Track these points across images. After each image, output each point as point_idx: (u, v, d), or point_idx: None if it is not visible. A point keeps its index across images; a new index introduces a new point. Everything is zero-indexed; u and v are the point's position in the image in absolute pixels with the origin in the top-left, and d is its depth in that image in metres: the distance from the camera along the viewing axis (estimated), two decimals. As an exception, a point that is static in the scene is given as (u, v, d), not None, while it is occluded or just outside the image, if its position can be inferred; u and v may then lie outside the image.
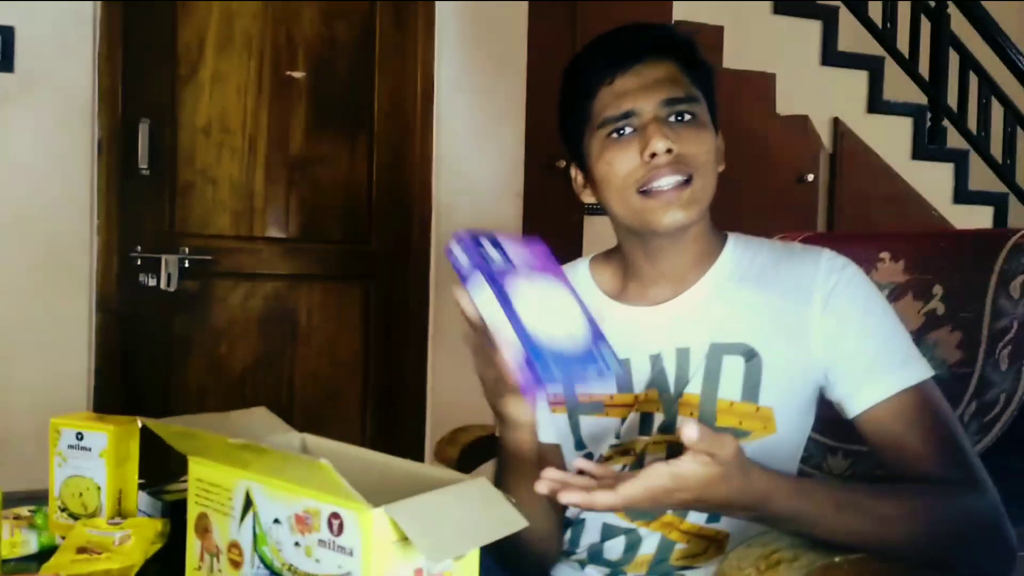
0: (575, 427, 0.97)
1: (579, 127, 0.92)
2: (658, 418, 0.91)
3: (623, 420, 0.93)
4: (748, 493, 0.71)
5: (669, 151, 0.85)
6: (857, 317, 0.87)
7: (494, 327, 0.73)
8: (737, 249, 0.95)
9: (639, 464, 0.91)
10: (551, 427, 0.99)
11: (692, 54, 0.91)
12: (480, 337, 0.76)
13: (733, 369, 0.88)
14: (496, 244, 0.76)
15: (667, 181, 0.86)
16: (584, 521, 0.95)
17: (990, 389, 1.04)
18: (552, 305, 0.74)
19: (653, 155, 0.85)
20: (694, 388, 0.89)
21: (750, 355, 0.88)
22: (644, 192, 0.87)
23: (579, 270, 1.01)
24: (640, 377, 0.93)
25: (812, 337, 0.87)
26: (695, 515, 0.90)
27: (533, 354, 0.70)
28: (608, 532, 0.93)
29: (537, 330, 0.71)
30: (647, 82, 0.88)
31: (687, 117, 0.88)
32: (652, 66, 0.88)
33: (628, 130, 0.88)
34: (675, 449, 0.88)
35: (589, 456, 0.97)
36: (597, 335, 0.74)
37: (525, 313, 0.71)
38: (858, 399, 0.86)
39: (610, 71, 0.89)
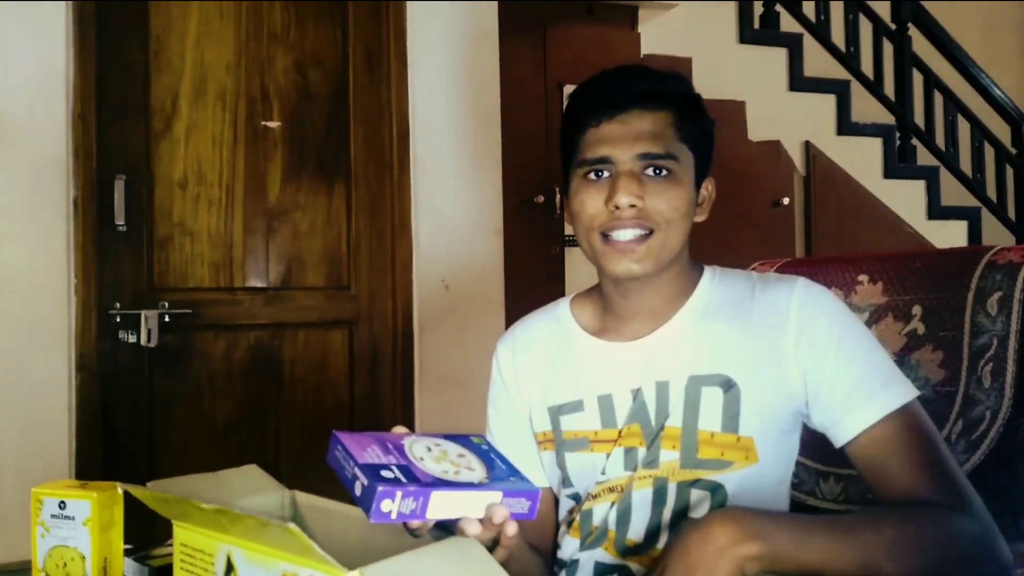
0: (562, 464, 0.97)
1: (568, 159, 0.95)
2: (641, 452, 0.91)
3: (608, 456, 0.93)
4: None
5: (633, 205, 0.88)
6: (833, 345, 0.87)
7: (460, 506, 0.72)
8: (713, 283, 0.96)
9: (626, 500, 0.91)
10: (540, 466, 1.00)
11: (689, 106, 0.92)
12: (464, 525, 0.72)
13: (712, 400, 0.89)
14: (351, 458, 0.73)
15: (626, 233, 0.89)
16: (577, 562, 0.95)
17: (975, 407, 1.04)
18: (454, 462, 0.76)
19: (618, 207, 0.88)
20: (675, 421, 0.90)
21: (728, 385, 0.89)
22: (605, 236, 0.90)
23: (560, 309, 1.02)
24: (622, 412, 0.93)
25: (789, 366, 0.88)
26: None
27: (510, 492, 0.73)
28: (600, 570, 0.93)
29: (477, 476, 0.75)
30: (629, 132, 0.89)
31: (663, 172, 0.89)
32: (640, 116, 0.89)
33: (604, 174, 0.90)
34: (660, 482, 0.90)
35: (576, 496, 0.97)
36: (486, 458, 0.78)
37: (446, 475, 0.73)
38: (843, 428, 0.86)
39: (597, 115, 0.90)
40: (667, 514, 0.90)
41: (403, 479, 0.69)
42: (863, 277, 1.19)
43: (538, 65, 3.17)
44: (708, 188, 0.96)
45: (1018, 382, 1.02)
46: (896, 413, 0.84)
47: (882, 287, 1.17)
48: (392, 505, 0.68)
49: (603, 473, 0.94)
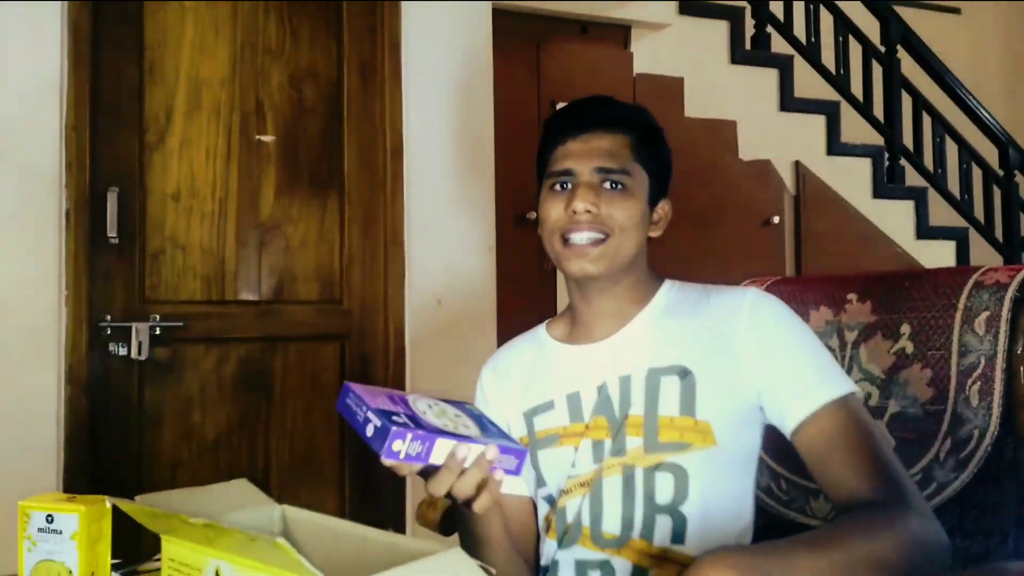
0: (535, 463, 1.05)
1: (541, 173, 1.07)
2: (608, 444, 0.98)
3: (576, 448, 1.00)
4: None
5: (588, 211, 0.99)
6: (779, 341, 0.96)
7: (453, 452, 0.82)
8: (672, 290, 1.06)
9: (597, 492, 0.98)
10: (521, 480, 1.06)
11: (648, 134, 1.04)
12: (443, 471, 0.84)
13: (670, 388, 0.97)
14: (364, 403, 0.83)
15: (583, 236, 1.00)
16: (558, 563, 1.00)
17: (963, 425, 1.05)
18: (452, 419, 0.87)
19: (575, 211, 0.99)
20: (637, 410, 0.98)
21: (684, 373, 0.97)
22: (565, 240, 1.01)
23: (538, 330, 1.13)
24: (588, 407, 1.01)
25: (740, 358, 0.96)
26: (661, 537, 0.95)
27: (502, 448, 0.84)
28: (582, 569, 0.98)
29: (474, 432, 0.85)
30: (589, 149, 1.01)
31: (619, 186, 1.00)
32: (601, 136, 1.01)
33: (567, 185, 1.02)
34: (628, 469, 0.96)
35: (550, 498, 1.03)
36: (480, 422, 0.89)
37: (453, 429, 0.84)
38: (789, 417, 0.93)
39: (564, 135, 1.03)
40: (638, 502, 0.96)
41: (411, 425, 0.80)
42: (852, 296, 1.20)
43: (532, 83, 3.20)
44: (664, 208, 1.07)
45: (1006, 401, 1.03)
46: (836, 405, 0.91)
47: (871, 306, 1.18)
48: (402, 445, 0.78)
49: (573, 467, 1.00)
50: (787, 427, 0.94)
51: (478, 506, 0.86)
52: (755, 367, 0.95)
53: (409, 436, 0.78)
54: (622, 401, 0.99)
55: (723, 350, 0.97)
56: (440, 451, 0.81)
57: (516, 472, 0.86)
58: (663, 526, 0.95)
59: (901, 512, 0.83)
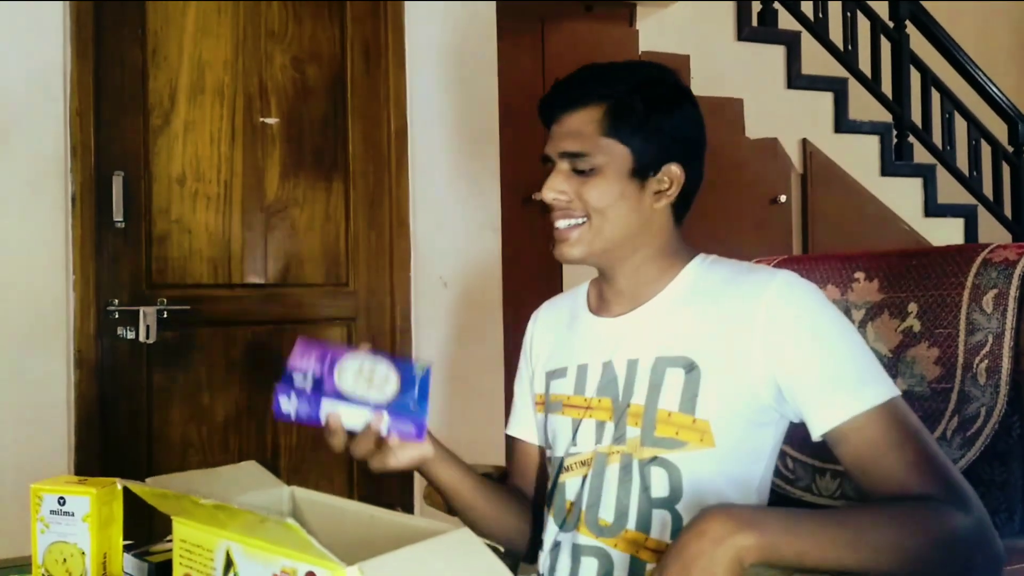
0: (545, 425, 1.06)
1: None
2: (609, 426, 0.97)
3: (574, 421, 1.00)
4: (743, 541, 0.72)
5: (558, 198, 0.97)
6: (804, 336, 0.88)
7: (348, 417, 0.91)
8: (701, 268, 1.00)
9: (599, 477, 0.97)
10: (532, 424, 1.11)
11: (629, 100, 0.96)
12: (362, 438, 0.92)
13: (674, 381, 0.93)
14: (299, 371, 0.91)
15: (560, 222, 0.98)
16: (560, 544, 1.00)
17: (970, 403, 1.05)
18: (371, 378, 0.92)
19: (545, 200, 0.98)
20: (639, 398, 0.95)
21: (690, 367, 0.92)
22: (553, 226, 1.00)
23: (581, 287, 1.11)
24: (593, 382, 1.00)
25: (753, 358, 0.89)
26: (658, 531, 0.92)
27: (396, 416, 0.90)
28: (577, 554, 0.97)
29: (374, 397, 0.91)
30: (562, 132, 0.98)
31: (587, 169, 0.96)
32: (571, 116, 0.97)
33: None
34: (627, 459, 0.95)
35: (560, 463, 1.03)
36: (408, 386, 0.92)
37: (359, 395, 0.90)
38: (818, 419, 0.87)
39: (548, 117, 1.01)
40: (634, 493, 0.94)
41: (307, 387, 0.88)
42: (859, 274, 1.20)
43: (536, 62, 3.17)
44: (672, 173, 0.98)
45: (1013, 379, 1.03)
46: (879, 409, 0.84)
47: (878, 284, 1.18)
48: (288, 405, 0.89)
49: (575, 444, 1.00)
50: (817, 428, 0.87)
51: (373, 466, 0.94)
52: (774, 362, 0.88)
53: (293, 395, 0.87)
54: (626, 385, 0.96)
55: (734, 348, 0.90)
56: (327, 412, 0.89)
57: (418, 437, 0.91)
58: (660, 521, 0.93)
59: (944, 509, 0.79)
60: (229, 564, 0.69)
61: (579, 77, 0.99)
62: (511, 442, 1.16)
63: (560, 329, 1.09)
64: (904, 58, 3.83)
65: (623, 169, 0.96)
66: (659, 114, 0.97)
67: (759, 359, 0.89)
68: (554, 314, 1.12)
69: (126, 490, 0.87)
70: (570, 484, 1.00)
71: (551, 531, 1.02)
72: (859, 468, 0.85)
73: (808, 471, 1.17)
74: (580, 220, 0.97)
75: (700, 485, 0.91)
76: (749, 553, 0.71)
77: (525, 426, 1.12)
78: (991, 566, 0.80)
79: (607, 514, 0.95)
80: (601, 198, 0.96)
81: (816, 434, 0.88)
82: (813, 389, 0.87)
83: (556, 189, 0.97)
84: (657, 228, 0.99)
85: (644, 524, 0.93)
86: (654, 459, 0.93)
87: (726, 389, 0.91)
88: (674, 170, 0.98)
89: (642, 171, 0.97)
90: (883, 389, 0.86)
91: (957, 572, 0.79)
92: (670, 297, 0.99)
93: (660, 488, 0.92)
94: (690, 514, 0.91)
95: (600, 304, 1.05)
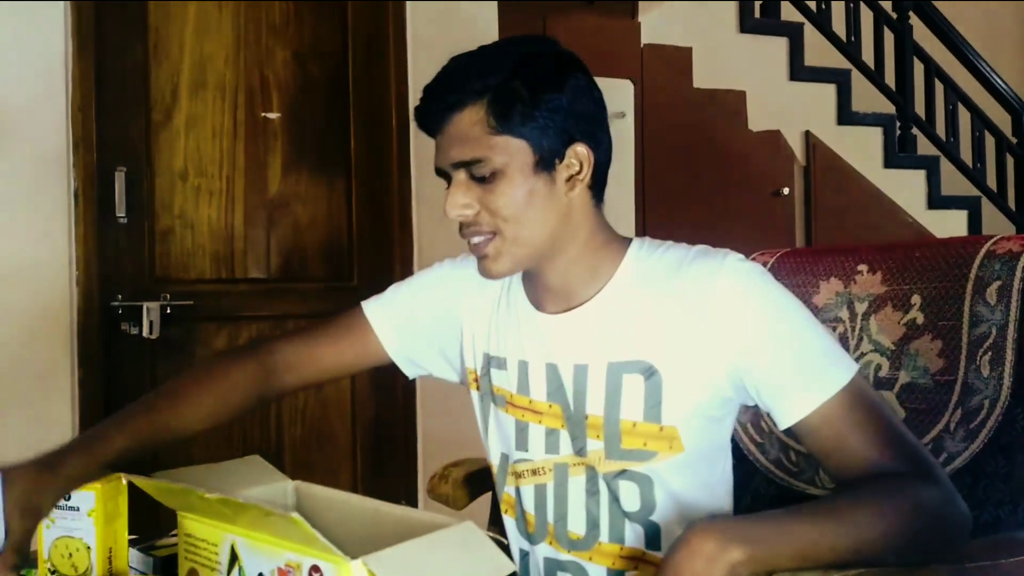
0: (486, 414, 1.00)
1: None
2: (563, 435, 0.92)
3: (519, 423, 0.94)
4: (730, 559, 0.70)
5: (463, 215, 0.87)
6: (764, 329, 0.84)
7: None
8: (640, 257, 0.91)
9: (562, 490, 0.92)
10: (422, 358, 1.06)
11: (512, 88, 0.85)
12: None
13: (633, 388, 0.87)
14: None
15: (475, 238, 0.89)
16: (529, 555, 0.97)
17: (974, 396, 1.05)
18: None
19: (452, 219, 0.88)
20: (596, 409, 0.89)
21: (649, 372, 0.87)
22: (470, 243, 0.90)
23: (514, 280, 1.00)
24: (537, 384, 0.93)
25: (713, 353, 0.85)
26: (633, 541, 0.90)
27: None
28: (551, 567, 0.94)
29: None
30: (448, 141, 0.87)
31: (486, 176, 0.86)
32: (457, 118, 0.86)
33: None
34: (591, 472, 0.90)
35: (504, 459, 0.98)
36: None
37: None
38: (784, 413, 0.84)
39: (429, 128, 0.89)
40: (603, 505, 0.91)
41: None
42: (862, 267, 1.19)
43: (538, 55, 3.16)
44: (578, 155, 0.88)
45: (1017, 371, 1.03)
46: (842, 394, 0.82)
47: (881, 277, 1.17)
48: None
49: (525, 450, 0.94)
50: (781, 422, 0.85)
51: None
52: (733, 354, 0.84)
53: None
54: (577, 393, 0.90)
55: (693, 345, 0.85)
56: None
57: None
58: (635, 531, 0.90)
59: (912, 482, 0.79)
60: (234, 558, 0.69)
61: (449, 75, 0.87)
62: (356, 319, 1.07)
63: (495, 308, 0.99)
64: (907, 49, 3.81)
65: (526, 165, 0.86)
66: (548, 93, 0.85)
67: (718, 353, 0.85)
68: (488, 289, 1.00)
69: (131, 484, 0.88)
70: (526, 493, 0.96)
71: (515, 537, 0.99)
72: (824, 453, 0.84)
73: (811, 464, 1.17)
74: (491, 233, 0.87)
75: (673, 492, 0.89)
76: (742, 568, 0.70)
77: (413, 356, 1.05)
78: (960, 529, 0.80)
79: (577, 527, 0.92)
80: (510, 203, 0.86)
81: (782, 427, 0.85)
82: (776, 383, 0.84)
83: (459, 204, 0.87)
84: (580, 217, 0.90)
85: (618, 535, 0.90)
86: (622, 472, 0.89)
87: (689, 390, 0.86)
88: (580, 150, 0.88)
89: (547, 161, 0.86)
90: (843, 371, 0.83)
91: (931, 540, 0.79)
92: (613, 292, 0.90)
93: (631, 502, 0.89)
94: (666, 521, 0.89)
95: (534, 297, 0.95)
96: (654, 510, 0.89)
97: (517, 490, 0.97)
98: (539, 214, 0.87)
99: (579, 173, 0.88)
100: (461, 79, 0.86)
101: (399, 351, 1.06)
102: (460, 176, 0.87)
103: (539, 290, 0.94)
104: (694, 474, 0.89)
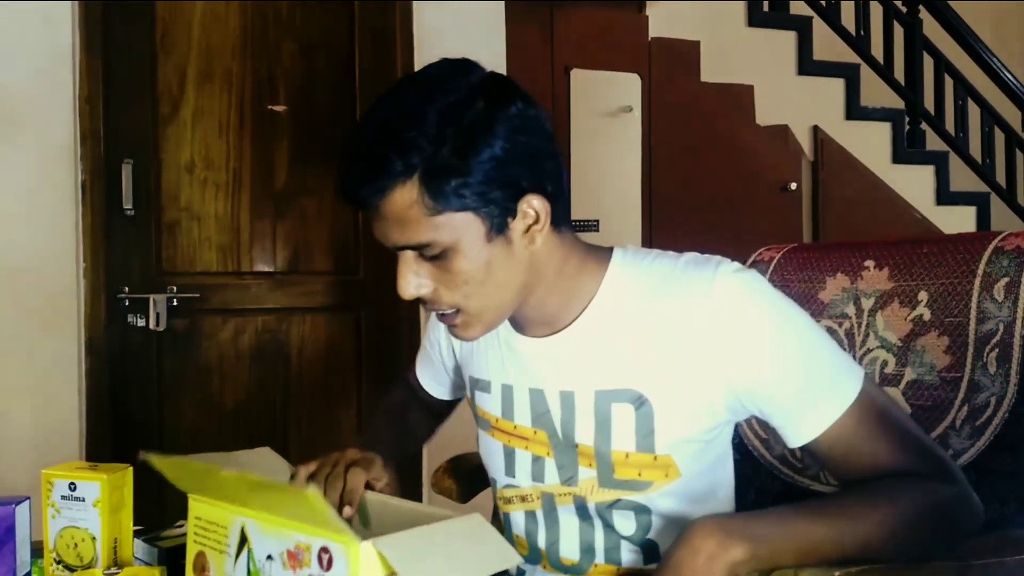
0: (477, 437, 1.01)
1: None
2: (549, 464, 0.89)
3: (506, 448, 0.92)
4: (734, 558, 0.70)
5: (420, 298, 0.82)
6: (766, 346, 0.79)
7: None
8: (623, 273, 0.85)
9: (552, 517, 0.90)
10: (447, 384, 1.13)
11: (438, 156, 0.75)
12: None
13: (624, 418, 0.83)
14: None
15: (437, 311, 0.83)
16: (524, 573, 0.96)
17: (980, 393, 1.04)
18: None
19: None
20: (586, 439, 0.85)
21: (639, 402, 0.82)
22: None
23: None
24: (521, 409, 0.90)
25: (708, 373, 0.80)
26: (630, 561, 0.88)
27: None
28: None
29: None
30: (383, 224, 0.79)
31: (436, 256, 0.79)
32: (387, 202, 0.77)
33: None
34: (580, 501, 0.88)
35: (494, 481, 0.98)
36: None
37: None
38: (794, 434, 0.81)
39: (356, 204, 0.80)
40: (597, 531, 0.89)
41: None
42: (869, 262, 1.19)
43: (546, 49, 3.16)
44: (530, 207, 0.80)
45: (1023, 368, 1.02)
46: (853, 407, 0.79)
47: (888, 272, 1.17)
48: None
49: (512, 476, 0.92)
50: (793, 442, 0.81)
51: None
52: (732, 373, 0.80)
53: None
54: (564, 421, 0.86)
55: (685, 369, 0.80)
56: None
57: None
58: (632, 551, 0.88)
59: (930, 481, 0.78)
60: (243, 541, 0.70)
61: (367, 154, 0.77)
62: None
63: None
64: (917, 44, 3.79)
65: (477, 236, 0.78)
66: (481, 151, 0.76)
67: (713, 377, 0.80)
68: None
69: (136, 476, 0.88)
70: (515, 518, 0.94)
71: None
72: (837, 465, 0.81)
73: (816, 460, 1.16)
74: (450, 311, 0.82)
75: (671, 513, 0.86)
76: (744, 566, 0.70)
77: (436, 384, 1.14)
78: (974, 526, 0.80)
79: (571, 553, 0.90)
80: (468, 279, 0.79)
81: (792, 446, 0.82)
82: (782, 404, 0.80)
83: (412, 285, 0.80)
84: (545, 258, 0.83)
85: (614, 557, 0.89)
86: (617, 501, 0.86)
87: (683, 417, 0.82)
88: (533, 202, 0.80)
89: (499, 225, 0.78)
90: (852, 382, 0.80)
91: (945, 539, 0.79)
92: (596, 313, 0.84)
93: (627, 527, 0.87)
94: (664, 540, 0.86)
95: (516, 321, 0.90)
96: (650, 530, 0.87)
97: (507, 516, 0.95)
98: (502, 279, 0.81)
99: (536, 223, 0.80)
100: (381, 159, 0.76)
101: (447, 394, 1.15)
102: (408, 255, 0.80)
103: (518, 317, 0.89)
104: (692, 492, 0.87)
